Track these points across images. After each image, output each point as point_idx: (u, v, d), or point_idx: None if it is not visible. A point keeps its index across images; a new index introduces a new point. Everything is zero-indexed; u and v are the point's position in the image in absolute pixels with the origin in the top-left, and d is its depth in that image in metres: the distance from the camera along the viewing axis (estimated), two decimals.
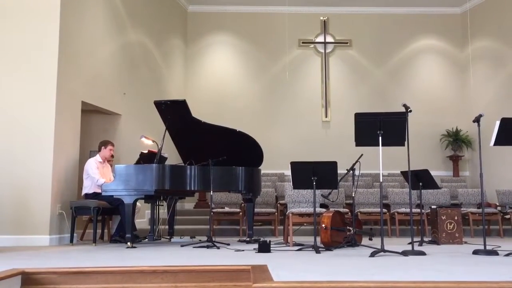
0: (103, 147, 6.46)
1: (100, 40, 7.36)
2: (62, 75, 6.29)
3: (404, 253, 4.48)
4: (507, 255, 4.41)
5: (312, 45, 11.31)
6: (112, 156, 6.70)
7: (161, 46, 9.68)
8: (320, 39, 11.31)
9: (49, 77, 6.18)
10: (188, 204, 9.88)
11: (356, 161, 5.62)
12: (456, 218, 6.05)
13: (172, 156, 6.99)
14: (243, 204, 7.27)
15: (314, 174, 4.99)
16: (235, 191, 6.30)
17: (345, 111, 10.42)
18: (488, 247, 4.70)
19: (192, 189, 5.94)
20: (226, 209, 7.57)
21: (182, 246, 5.61)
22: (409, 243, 4.79)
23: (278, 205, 8.03)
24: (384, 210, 6.89)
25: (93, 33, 7.16)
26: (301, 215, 5.84)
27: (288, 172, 5.50)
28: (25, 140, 6.07)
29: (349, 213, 5.97)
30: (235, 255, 4.53)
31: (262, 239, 5.57)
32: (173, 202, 6.78)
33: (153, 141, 6.38)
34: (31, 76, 6.18)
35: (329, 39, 11.30)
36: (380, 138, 4.62)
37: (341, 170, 5.28)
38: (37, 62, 6.20)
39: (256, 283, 2.69)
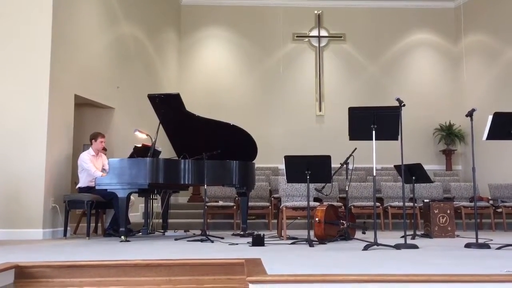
0: (93, 140, 6.43)
1: (93, 33, 7.31)
2: (55, 68, 6.25)
3: (397, 247, 4.51)
4: (499, 248, 4.46)
5: (306, 39, 11.30)
6: (105, 149, 6.69)
7: (155, 39, 9.62)
8: (314, 33, 11.30)
9: (42, 70, 6.13)
10: (182, 198, 9.87)
11: (350, 155, 5.64)
12: (448, 211, 6.09)
13: (166, 150, 6.98)
14: (237, 198, 7.27)
15: (308, 168, 5.00)
16: (229, 185, 6.30)
17: (339, 105, 10.42)
18: (480, 241, 4.75)
19: (186, 183, 5.94)
20: (220, 203, 7.57)
21: (176, 240, 5.61)
22: (402, 237, 4.82)
23: (272, 199, 8.03)
24: (377, 203, 6.92)
25: (86, 26, 7.11)
26: (295, 208, 5.86)
27: (282, 166, 5.50)
28: (18, 134, 6.03)
29: (343, 206, 5.99)
30: (229, 249, 4.54)
31: (256, 232, 5.58)
32: (167, 196, 6.78)
33: (147, 135, 6.36)
34: (24, 70, 6.12)
35: (323, 33, 11.29)
36: (373, 132, 4.64)
37: (334, 164, 5.30)
38: (30, 55, 6.14)
39: (250, 277, 2.70)
